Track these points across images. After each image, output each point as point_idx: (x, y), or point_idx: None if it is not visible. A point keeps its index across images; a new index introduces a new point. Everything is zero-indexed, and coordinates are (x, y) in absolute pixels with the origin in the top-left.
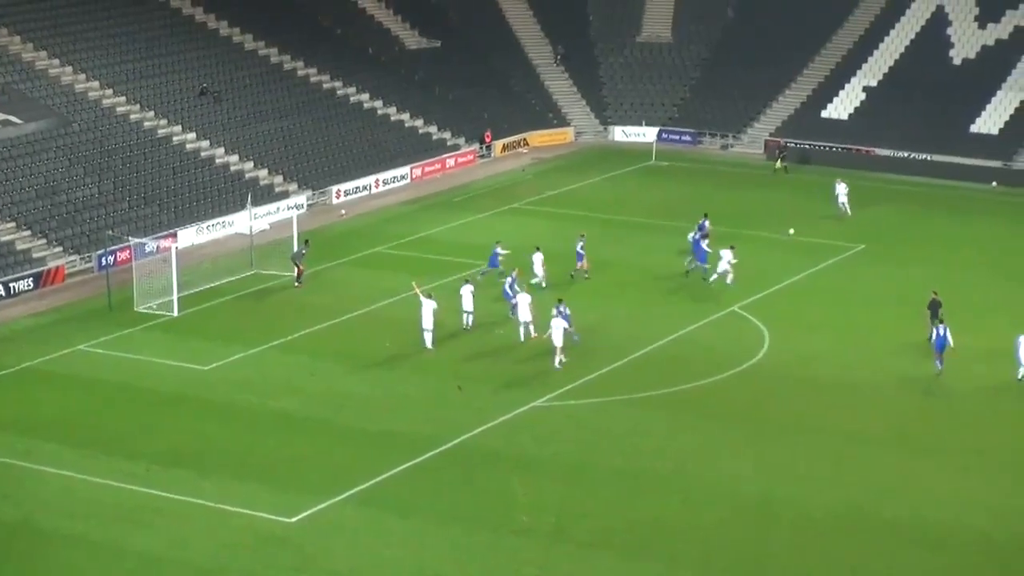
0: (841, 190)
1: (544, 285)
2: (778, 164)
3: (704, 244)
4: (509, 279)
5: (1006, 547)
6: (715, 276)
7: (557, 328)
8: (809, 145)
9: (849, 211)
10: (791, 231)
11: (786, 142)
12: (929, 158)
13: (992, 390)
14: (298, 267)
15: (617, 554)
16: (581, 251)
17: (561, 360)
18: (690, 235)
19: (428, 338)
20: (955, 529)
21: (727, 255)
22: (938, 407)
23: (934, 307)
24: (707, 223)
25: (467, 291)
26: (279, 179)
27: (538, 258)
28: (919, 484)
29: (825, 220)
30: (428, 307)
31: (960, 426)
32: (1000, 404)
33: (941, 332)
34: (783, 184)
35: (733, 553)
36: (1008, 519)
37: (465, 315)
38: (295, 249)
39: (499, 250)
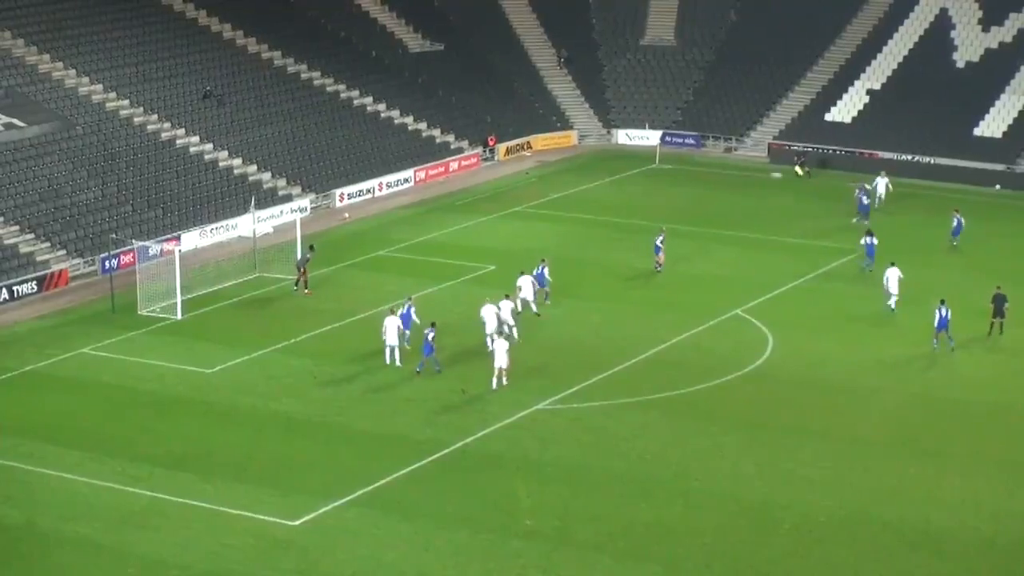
0: (881, 183)
1: (533, 309)
2: (799, 170)
3: (873, 240)
4: (408, 307)
5: (1008, 551)
6: (892, 301)
7: (500, 350)
8: (813, 148)
9: (878, 205)
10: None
11: (804, 147)
12: (933, 161)
13: (995, 393)
14: (301, 273)
15: (619, 557)
16: (660, 245)
17: (498, 383)
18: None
19: (389, 353)
20: (957, 533)
21: (895, 275)
22: (940, 410)
23: (999, 301)
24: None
25: (494, 309)
26: (282, 182)
27: (526, 280)
28: (921, 488)
29: (829, 223)
30: (392, 323)
31: (963, 429)
32: (1003, 407)
33: (944, 313)
34: (787, 187)
35: (734, 557)
36: (1011, 523)
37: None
38: (299, 255)
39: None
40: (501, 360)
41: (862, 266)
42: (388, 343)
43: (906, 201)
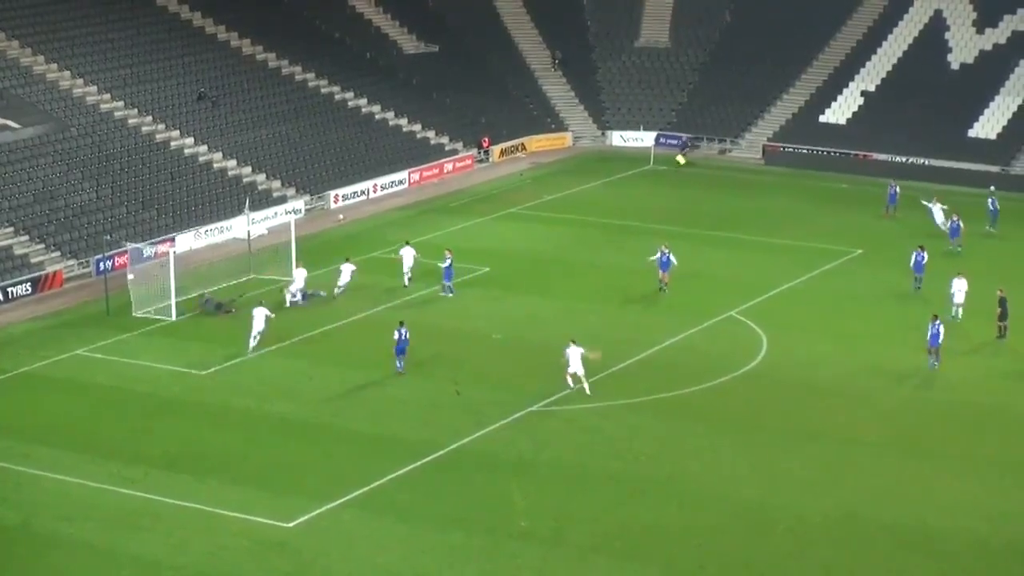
0: (937, 211)
1: (331, 295)
2: (680, 158)
3: (923, 254)
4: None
5: (1003, 552)
6: (956, 311)
7: (574, 355)
8: (807, 150)
9: (945, 228)
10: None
11: (688, 137)
12: (927, 163)
13: (989, 394)
14: (226, 309)
15: (614, 558)
16: (668, 259)
17: (582, 387)
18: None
19: (255, 343)
20: (952, 534)
21: (961, 286)
22: (935, 411)
23: (1003, 304)
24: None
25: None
26: (277, 184)
27: (347, 268)
28: (916, 489)
29: (823, 224)
30: (260, 313)
31: (957, 431)
32: (997, 408)
33: (936, 329)
34: (782, 189)
35: (730, 558)
36: (1005, 524)
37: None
38: (206, 299)
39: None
40: (576, 366)
41: (916, 287)
42: (254, 332)
43: (899, 203)
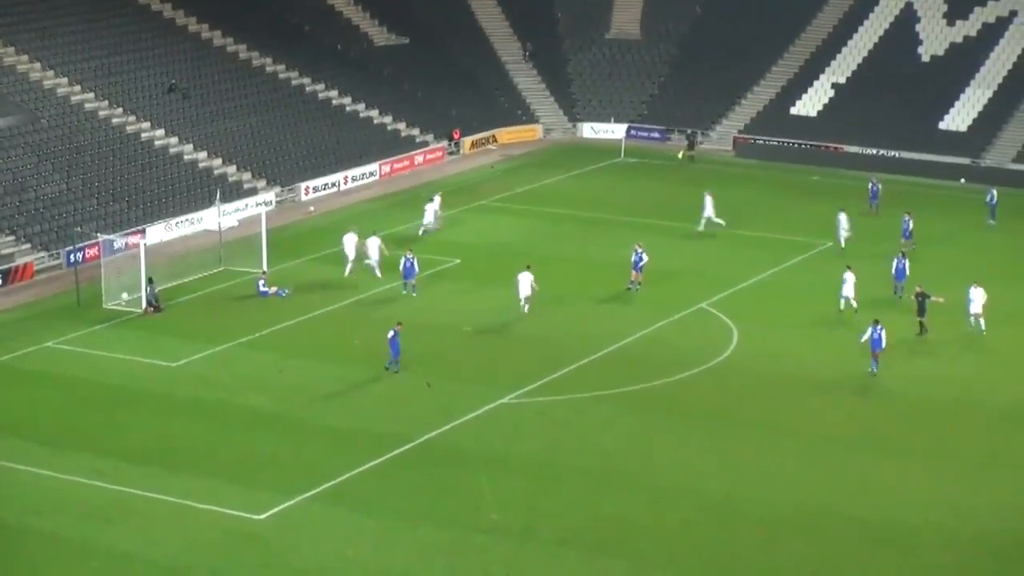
0: (708, 203)
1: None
2: (682, 153)
3: (904, 261)
4: (261, 282)
5: (971, 546)
6: (976, 321)
7: (524, 280)
8: (778, 142)
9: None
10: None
11: (693, 131)
12: (898, 155)
13: (958, 389)
14: (155, 305)
15: (584, 552)
16: (642, 258)
17: (523, 307)
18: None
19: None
20: (921, 528)
21: (979, 297)
22: (905, 406)
23: (921, 299)
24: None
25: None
26: (247, 176)
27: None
28: (885, 483)
29: (795, 217)
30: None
31: (926, 426)
32: (966, 404)
33: (877, 334)
34: (752, 181)
35: (700, 552)
36: (973, 518)
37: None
38: (150, 289)
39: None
40: (524, 290)
41: (896, 294)
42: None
43: (870, 195)
